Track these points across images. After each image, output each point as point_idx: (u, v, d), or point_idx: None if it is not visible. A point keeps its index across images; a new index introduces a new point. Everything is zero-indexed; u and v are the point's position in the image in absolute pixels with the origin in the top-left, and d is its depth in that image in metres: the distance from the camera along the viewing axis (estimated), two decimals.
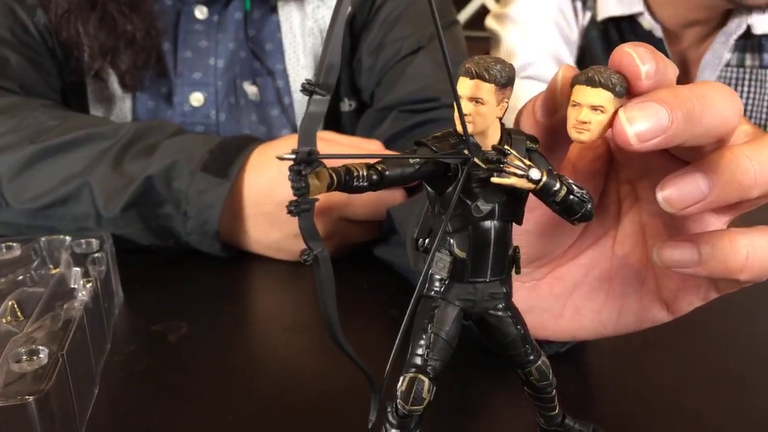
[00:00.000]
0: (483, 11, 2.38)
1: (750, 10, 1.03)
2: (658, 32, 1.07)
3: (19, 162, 0.62)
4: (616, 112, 0.28)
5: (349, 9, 0.85)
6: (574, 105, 0.28)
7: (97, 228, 0.60)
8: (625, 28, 1.10)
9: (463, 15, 2.54)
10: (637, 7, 1.07)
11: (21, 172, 0.62)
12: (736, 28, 1.06)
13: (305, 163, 0.23)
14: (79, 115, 0.70)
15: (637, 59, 0.28)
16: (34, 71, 0.77)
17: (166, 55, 0.82)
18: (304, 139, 0.22)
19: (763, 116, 1.09)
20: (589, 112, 0.28)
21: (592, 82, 0.28)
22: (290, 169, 0.23)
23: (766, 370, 0.46)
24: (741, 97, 1.09)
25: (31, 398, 0.31)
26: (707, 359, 0.47)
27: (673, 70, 0.30)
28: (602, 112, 0.28)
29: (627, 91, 0.28)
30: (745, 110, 1.10)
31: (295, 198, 0.23)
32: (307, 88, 0.22)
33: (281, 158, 0.22)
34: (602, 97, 0.27)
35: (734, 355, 0.48)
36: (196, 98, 0.82)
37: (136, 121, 0.82)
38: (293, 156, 0.22)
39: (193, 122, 0.83)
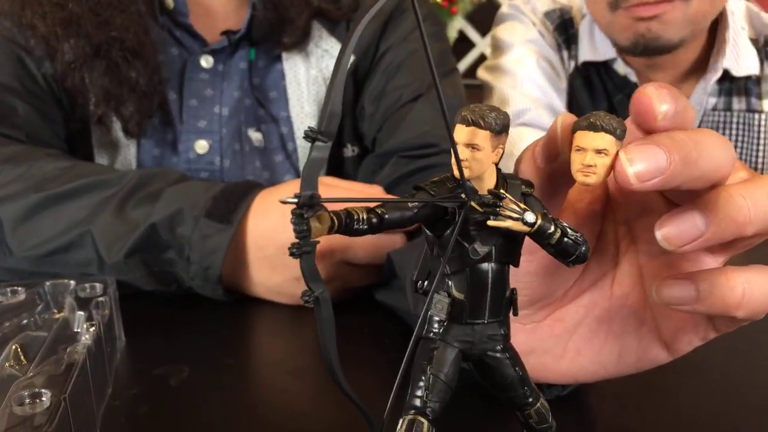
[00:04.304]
0: (482, 60, 2.44)
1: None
2: (633, 77, 1.10)
3: (23, 210, 0.63)
4: (617, 154, 0.29)
5: (352, 58, 0.88)
6: (578, 150, 0.29)
7: (100, 274, 0.61)
8: (603, 74, 1.13)
9: (464, 63, 2.59)
10: (610, 53, 1.10)
11: (25, 221, 0.63)
12: (713, 73, 1.08)
13: (307, 207, 0.23)
14: (85, 164, 0.72)
15: (655, 99, 0.29)
16: (40, 120, 0.79)
17: (172, 103, 0.83)
18: (307, 184, 0.23)
19: (753, 159, 1.11)
20: (594, 155, 0.28)
21: (594, 127, 0.28)
22: (292, 212, 0.23)
23: (765, 413, 0.46)
24: (729, 140, 1.10)
25: None
26: (707, 402, 0.47)
27: (692, 114, 0.31)
28: (606, 155, 0.28)
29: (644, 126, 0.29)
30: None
31: (297, 240, 0.24)
32: (310, 135, 0.23)
33: (284, 202, 0.23)
34: (605, 140, 0.28)
35: (733, 397, 0.48)
36: (201, 146, 0.84)
37: (140, 167, 0.83)
38: (295, 200, 0.23)
39: (197, 169, 0.84)
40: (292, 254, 0.24)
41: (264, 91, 0.88)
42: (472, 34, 2.64)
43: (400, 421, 0.28)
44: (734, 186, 0.31)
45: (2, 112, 0.76)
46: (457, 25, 2.56)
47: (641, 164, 0.28)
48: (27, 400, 0.35)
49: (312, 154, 0.24)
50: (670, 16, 0.99)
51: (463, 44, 2.62)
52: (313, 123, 0.87)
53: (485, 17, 2.53)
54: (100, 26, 0.75)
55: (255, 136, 0.87)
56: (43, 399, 0.35)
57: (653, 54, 1.05)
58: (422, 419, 0.28)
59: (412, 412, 0.28)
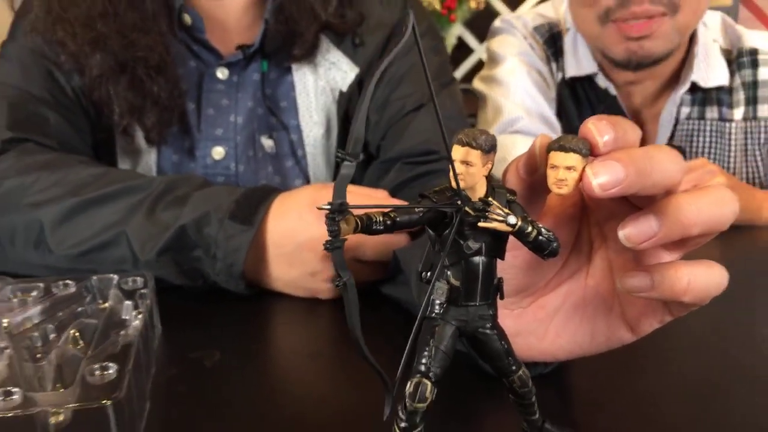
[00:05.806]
0: (480, 65, 2.50)
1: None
2: (612, 90, 1.16)
3: (61, 213, 0.69)
4: (584, 169, 0.35)
5: (357, 71, 0.92)
6: (552, 167, 0.36)
7: (134, 270, 0.66)
8: (587, 86, 1.19)
9: (462, 69, 2.65)
10: (592, 68, 1.17)
11: (63, 222, 0.69)
12: (682, 85, 1.15)
13: (338, 212, 0.30)
14: (115, 170, 0.78)
15: (596, 133, 0.36)
16: (70, 129, 0.85)
17: (190, 113, 0.89)
18: (337, 194, 0.30)
19: (725, 164, 1.17)
20: (565, 171, 0.35)
21: (564, 149, 0.35)
22: (326, 216, 0.30)
23: (739, 379, 0.52)
24: (702, 146, 1.17)
25: (108, 402, 0.38)
26: (683, 373, 0.53)
27: (633, 133, 0.38)
28: (574, 170, 0.35)
29: (591, 152, 0.36)
30: (708, 159, 1.17)
31: (329, 239, 0.30)
32: (339, 156, 0.30)
33: (321, 209, 0.30)
34: (573, 159, 0.35)
35: (709, 366, 0.54)
36: (218, 152, 0.90)
37: (160, 173, 0.89)
38: (329, 207, 0.30)
39: (214, 174, 0.90)
40: (326, 249, 0.30)
41: (275, 100, 0.94)
42: (471, 40, 2.70)
43: (409, 383, 0.35)
44: (684, 194, 0.38)
45: (35, 121, 0.82)
46: (456, 31, 2.62)
47: (603, 177, 0.35)
48: (97, 372, 0.42)
49: (342, 171, 0.30)
50: (660, 32, 1.05)
51: (462, 50, 2.69)
52: (320, 130, 0.93)
53: (483, 24, 2.58)
54: (126, 47, 0.81)
55: (267, 143, 0.93)
56: (110, 371, 0.42)
57: (646, 67, 1.11)
58: (426, 381, 0.34)
59: (418, 375, 0.35)
